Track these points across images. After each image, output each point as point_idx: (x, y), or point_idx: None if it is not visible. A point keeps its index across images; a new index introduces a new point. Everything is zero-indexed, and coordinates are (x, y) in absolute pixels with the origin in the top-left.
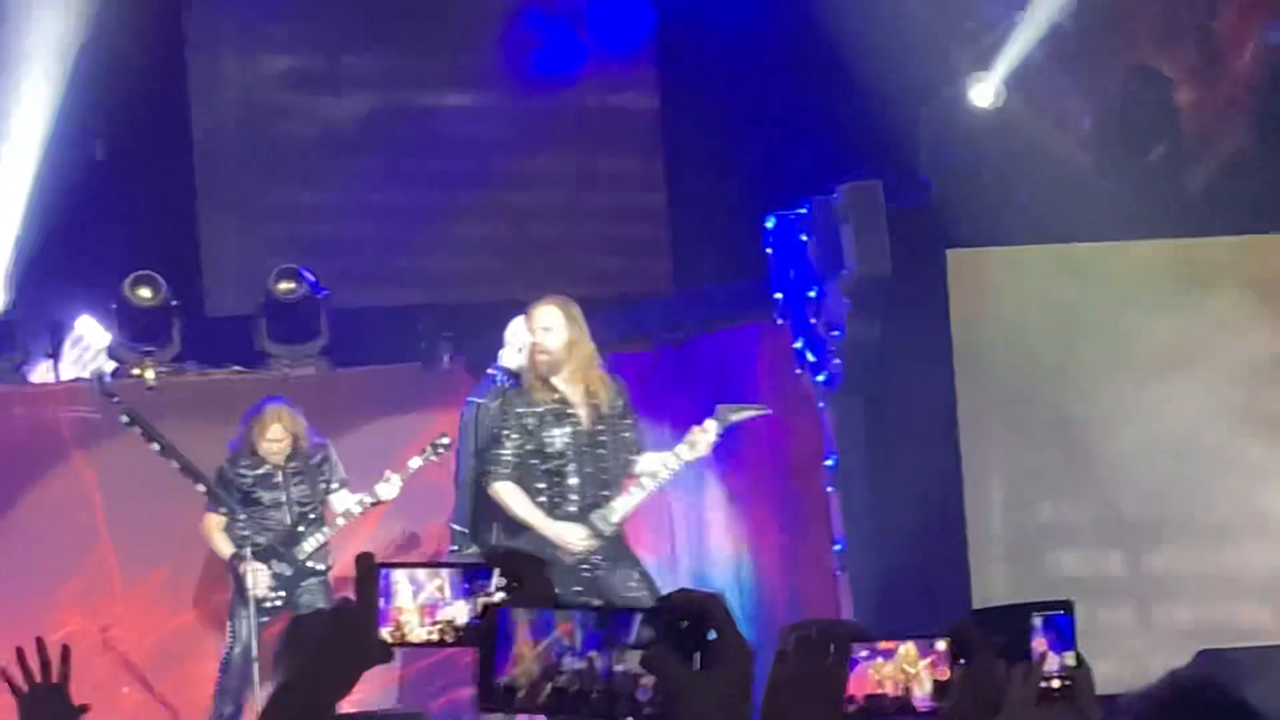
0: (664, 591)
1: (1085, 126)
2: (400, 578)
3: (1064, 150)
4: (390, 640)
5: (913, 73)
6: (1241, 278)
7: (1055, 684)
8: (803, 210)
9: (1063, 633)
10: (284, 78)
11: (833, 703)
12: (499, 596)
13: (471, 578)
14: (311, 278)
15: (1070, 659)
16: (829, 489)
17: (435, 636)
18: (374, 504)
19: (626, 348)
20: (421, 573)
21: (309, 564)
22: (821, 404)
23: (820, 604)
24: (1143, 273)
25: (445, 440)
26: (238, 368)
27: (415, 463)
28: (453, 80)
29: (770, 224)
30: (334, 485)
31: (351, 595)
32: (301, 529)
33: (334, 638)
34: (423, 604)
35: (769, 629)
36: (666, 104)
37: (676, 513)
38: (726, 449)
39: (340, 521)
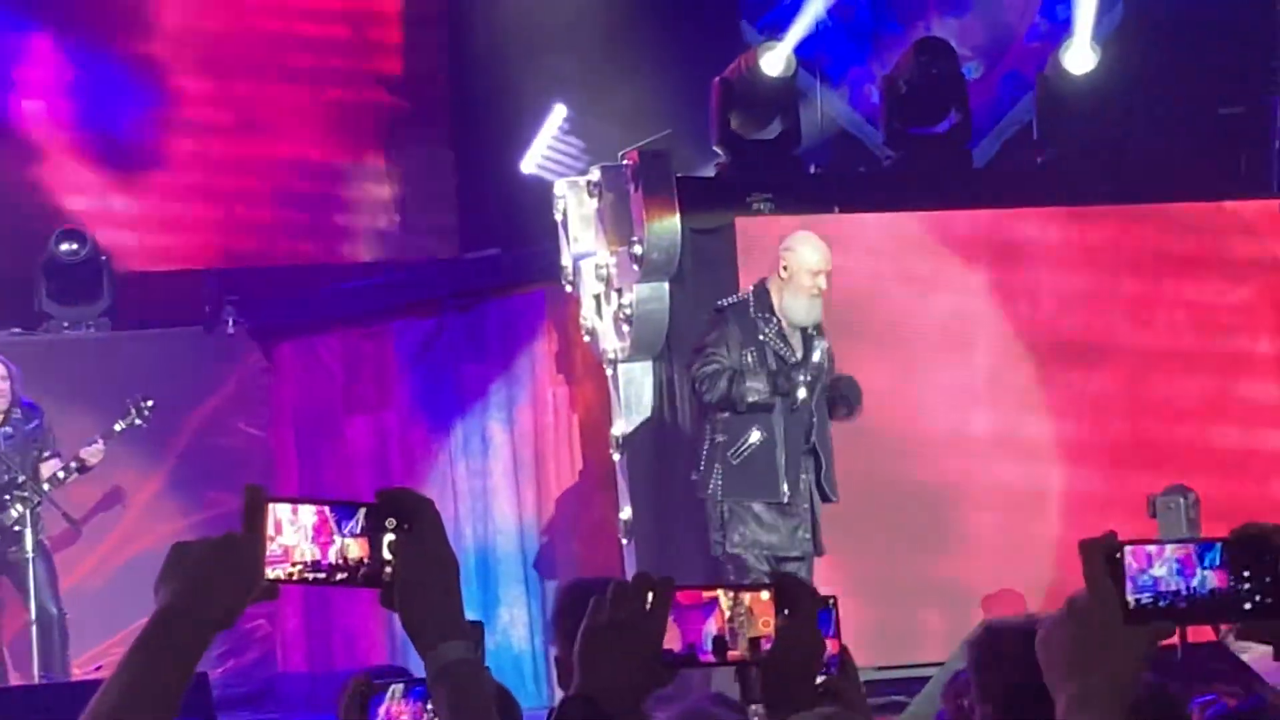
0: None
1: (873, 98)
2: (286, 513)
3: (854, 122)
4: (276, 577)
5: (708, 43)
6: (1029, 251)
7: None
8: (593, 175)
9: (825, 624)
10: None
11: (648, 651)
12: (389, 537)
13: (360, 516)
14: (93, 239)
15: (832, 648)
16: (615, 456)
17: (324, 575)
18: (80, 469)
19: (412, 313)
20: (308, 509)
21: (15, 528)
22: (609, 371)
23: (604, 571)
24: (924, 243)
25: (149, 403)
26: (17, 329)
27: (119, 425)
28: (241, 48)
29: (560, 189)
30: (45, 454)
31: (238, 527)
32: (6, 496)
33: (218, 568)
34: (310, 541)
35: (553, 595)
36: (455, 70)
37: (461, 480)
38: (512, 419)
39: (47, 488)
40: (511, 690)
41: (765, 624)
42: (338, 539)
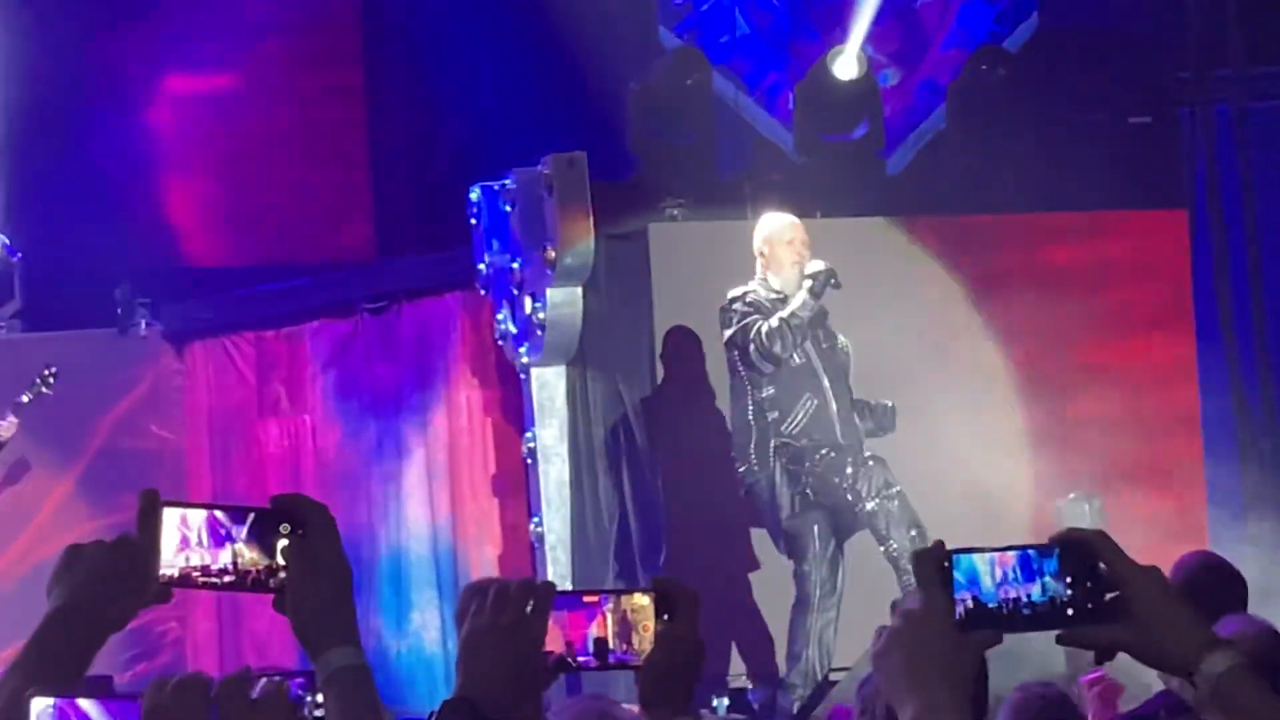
0: None
1: (789, 104)
2: (180, 517)
3: (771, 128)
4: (168, 580)
5: (622, 47)
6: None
7: None
8: (508, 181)
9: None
10: None
11: (527, 653)
12: (283, 543)
13: (251, 521)
14: (5, 240)
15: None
16: (528, 461)
17: (216, 580)
18: None
19: (326, 316)
20: (201, 513)
21: None
22: (523, 376)
23: (516, 575)
24: (836, 249)
25: (53, 369)
26: None
27: (25, 397)
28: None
29: (475, 194)
30: None
31: (132, 530)
32: None
33: (112, 570)
34: (203, 546)
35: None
36: (371, 70)
37: (374, 483)
38: (425, 423)
39: None
40: (423, 694)
41: (645, 628)
42: (229, 544)
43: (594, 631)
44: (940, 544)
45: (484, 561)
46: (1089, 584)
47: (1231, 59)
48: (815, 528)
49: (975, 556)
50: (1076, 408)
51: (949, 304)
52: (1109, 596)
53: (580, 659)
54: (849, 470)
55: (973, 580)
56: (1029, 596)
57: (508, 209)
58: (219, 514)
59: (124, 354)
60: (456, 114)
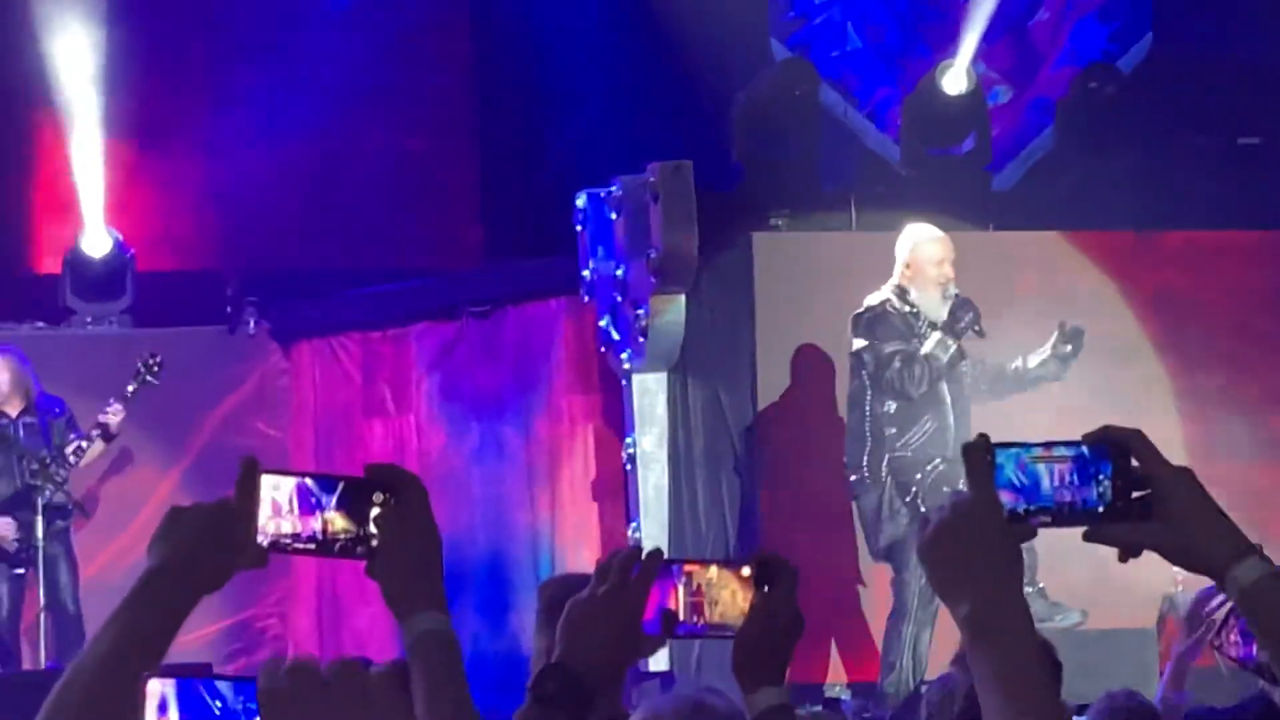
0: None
1: (897, 119)
2: (279, 484)
3: (880, 143)
4: (264, 544)
5: (733, 58)
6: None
7: None
8: (614, 188)
9: None
10: None
11: (627, 621)
12: (375, 511)
13: (341, 489)
14: (118, 236)
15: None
16: (628, 466)
17: (307, 545)
18: (103, 434)
19: (431, 318)
20: (303, 481)
21: (49, 514)
22: (624, 382)
23: None
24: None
25: (157, 358)
26: (40, 324)
27: (131, 386)
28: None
29: (581, 201)
30: (83, 444)
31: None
32: (37, 482)
33: (209, 532)
34: (296, 513)
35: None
36: (481, 75)
37: (476, 485)
38: (527, 427)
39: (73, 460)
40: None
41: (744, 599)
42: (320, 512)
43: (668, 603)
44: (985, 436)
45: (581, 565)
46: (1121, 482)
47: None
48: (916, 546)
49: (1013, 450)
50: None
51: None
52: (1137, 495)
53: (681, 624)
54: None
55: (1025, 475)
56: (1062, 491)
57: (613, 216)
58: (312, 482)
59: (232, 351)
60: (565, 120)
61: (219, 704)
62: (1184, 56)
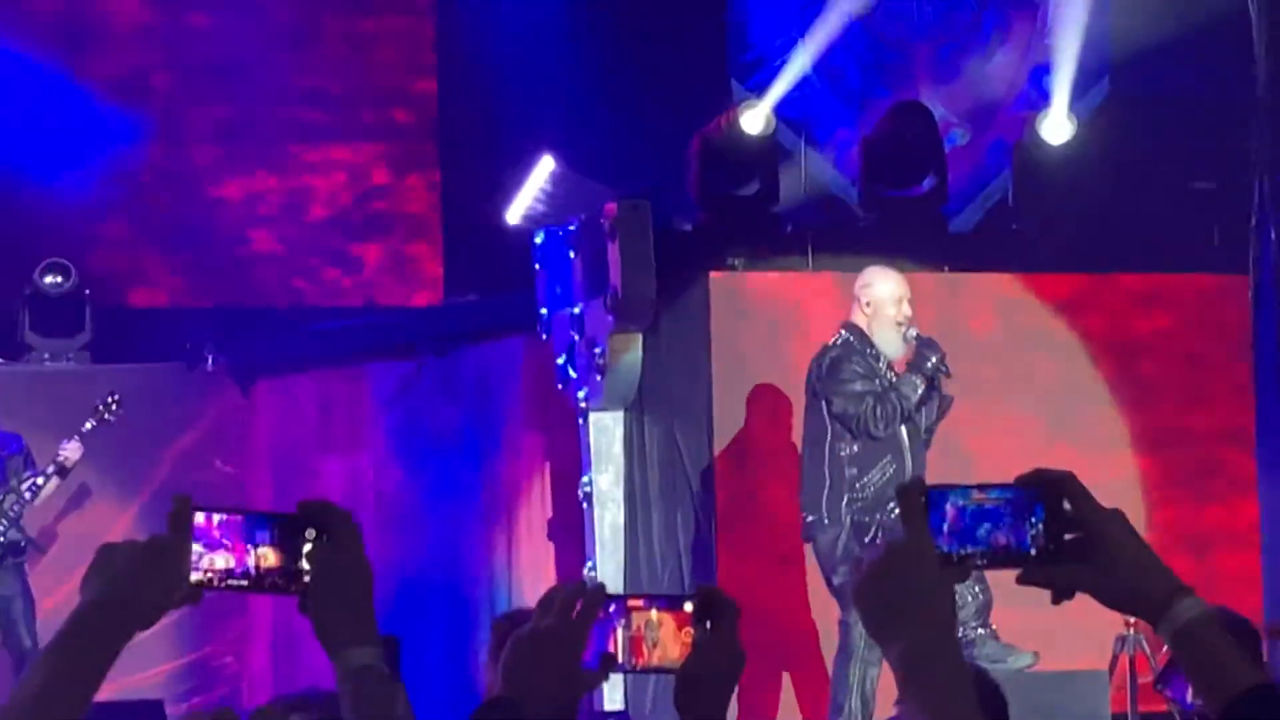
0: None
1: (855, 159)
2: (212, 520)
3: (839, 184)
4: (198, 582)
5: (688, 98)
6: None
7: None
8: (571, 226)
9: None
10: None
11: (567, 656)
12: (307, 547)
13: (275, 525)
14: (77, 272)
15: None
16: (584, 504)
17: (240, 582)
18: (59, 471)
19: (389, 356)
20: (235, 517)
21: (3, 550)
22: (581, 420)
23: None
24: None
25: (115, 397)
26: None
27: (88, 424)
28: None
29: (539, 239)
30: (39, 480)
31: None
32: None
33: (141, 569)
34: (228, 549)
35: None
36: (443, 114)
37: (433, 524)
38: (485, 465)
39: (29, 496)
40: None
41: (686, 636)
42: (254, 548)
43: (608, 646)
44: (920, 479)
45: None
46: (1054, 524)
47: None
48: (851, 588)
49: (948, 492)
50: (1139, 470)
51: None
52: (1070, 537)
53: (623, 662)
54: None
55: (942, 516)
56: (996, 534)
57: (571, 254)
58: (245, 518)
59: (190, 388)
60: (524, 157)
61: None
62: (1139, 101)
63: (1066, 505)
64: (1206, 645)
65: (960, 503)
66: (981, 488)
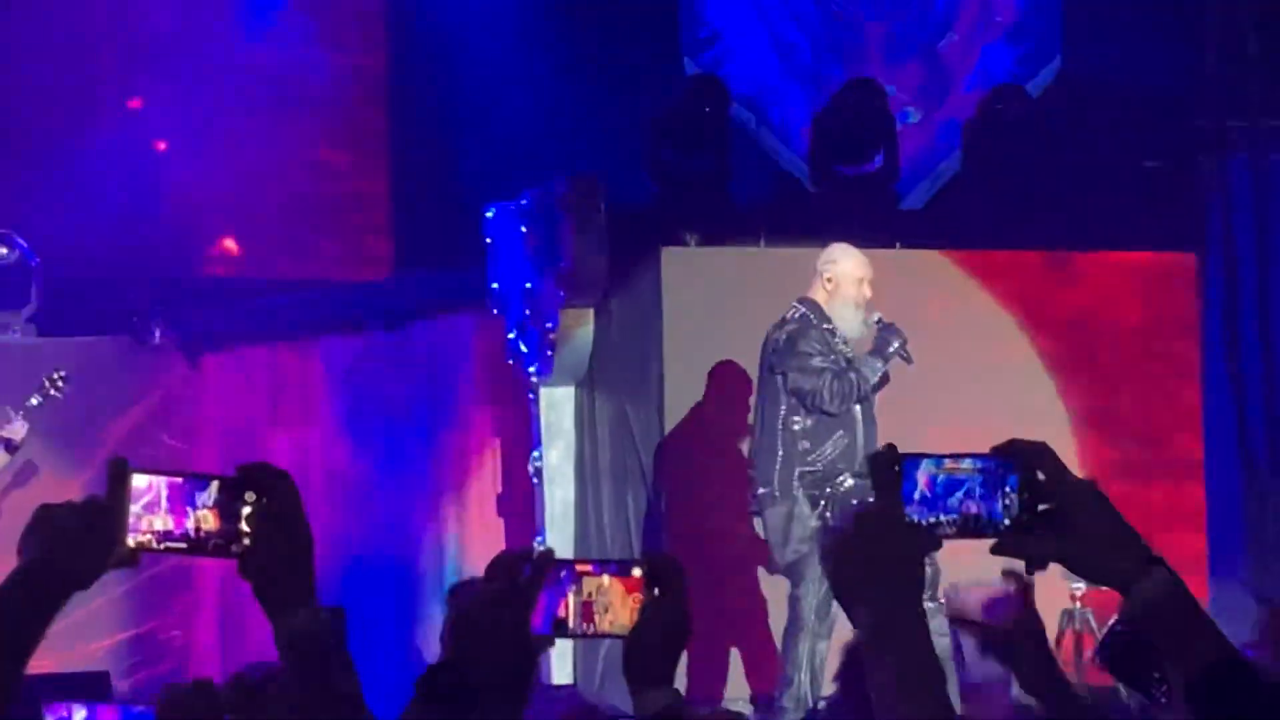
0: None
1: (807, 137)
2: (151, 482)
3: (791, 161)
4: (137, 544)
5: (645, 75)
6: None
7: None
8: (523, 201)
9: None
10: None
11: (516, 621)
12: (246, 509)
13: (214, 488)
14: (24, 244)
15: None
16: (534, 480)
17: (179, 545)
18: (6, 447)
19: (339, 331)
20: (175, 480)
21: None
22: (532, 395)
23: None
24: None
25: (62, 373)
26: None
27: (34, 400)
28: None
29: (490, 214)
30: None
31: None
32: None
33: (78, 530)
34: (167, 512)
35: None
36: (392, 87)
37: (382, 499)
38: (435, 440)
39: None
40: None
41: (635, 601)
42: (193, 510)
43: (558, 612)
44: (892, 447)
45: None
46: (1027, 495)
47: (1249, 111)
48: (818, 554)
49: (920, 461)
50: (1085, 450)
51: (998, 336)
52: (1043, 508)
53: (571, 626)
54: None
55: (914, 485)
56: (968, 503)
57: (523, 229)
58: (184, 481)
59: (138, 362)
60: (477, 133)
61: None
62: (1091, 80)
63: (1040, 476)
64: (1176, 616)
65: (933, 471)
66: (955, 457)
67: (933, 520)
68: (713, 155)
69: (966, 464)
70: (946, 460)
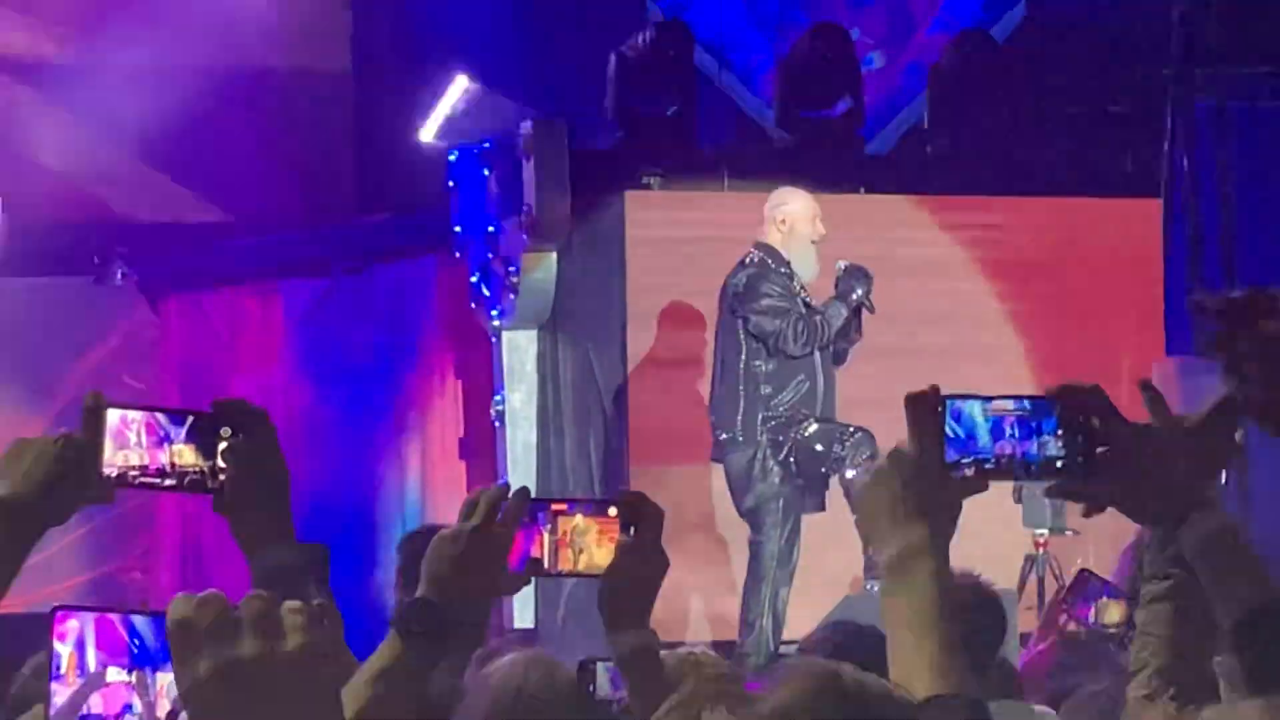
0: None
1: (772, 82)
2: (127, 417)
3: (755, 107)
4: (109, 478)
5: (605, 18)
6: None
7: None
8: (486, 145)
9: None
10: None
11: (491, 558)
12: (222, 445)
13: (190, 423)
14: None
15: None
16: (496, 423)
17: (154, 480)
18: None
19: (301, 274)
20: (151, 415)
21: None
22: (494, 339)
23: None
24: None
25: None
26: None
27: None
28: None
29: (453, 157)
30: None
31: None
32: None
33: (54, 464)
34: (143, 446)
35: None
36: (358, 28)
37: (344, 442)
38: (397, 383)
39: None
40: None
41: (610, 541)
42: (168, 445)
43: (532, 551)
44: (936, 389)
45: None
46: (1081, 438)
47: (1213, 57)
48: (780, 500)
49: (971, 404)
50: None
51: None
52: (1100, 450)
53: (544, 567)
54: (835, 439)
55: (965, 428)
56: (1021, 446)
57: (486, 173)
58: (159, 416)
59: (98, 303)
60: (441, 75)
61: (137, 642)
62: (1056, 25)
63: (1095, 421)
64: (1225, 558)
65: (976, 413)
66: (1000, 399)
67: (970, 461)
68: (677, 99)
69: (1013, 405)
70: (992, 401)
